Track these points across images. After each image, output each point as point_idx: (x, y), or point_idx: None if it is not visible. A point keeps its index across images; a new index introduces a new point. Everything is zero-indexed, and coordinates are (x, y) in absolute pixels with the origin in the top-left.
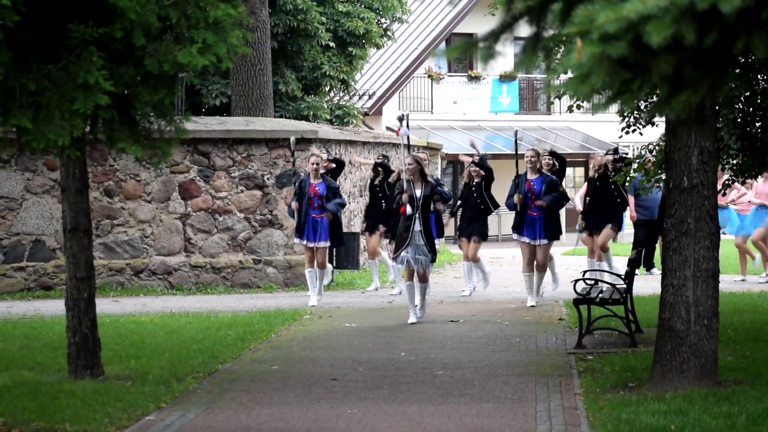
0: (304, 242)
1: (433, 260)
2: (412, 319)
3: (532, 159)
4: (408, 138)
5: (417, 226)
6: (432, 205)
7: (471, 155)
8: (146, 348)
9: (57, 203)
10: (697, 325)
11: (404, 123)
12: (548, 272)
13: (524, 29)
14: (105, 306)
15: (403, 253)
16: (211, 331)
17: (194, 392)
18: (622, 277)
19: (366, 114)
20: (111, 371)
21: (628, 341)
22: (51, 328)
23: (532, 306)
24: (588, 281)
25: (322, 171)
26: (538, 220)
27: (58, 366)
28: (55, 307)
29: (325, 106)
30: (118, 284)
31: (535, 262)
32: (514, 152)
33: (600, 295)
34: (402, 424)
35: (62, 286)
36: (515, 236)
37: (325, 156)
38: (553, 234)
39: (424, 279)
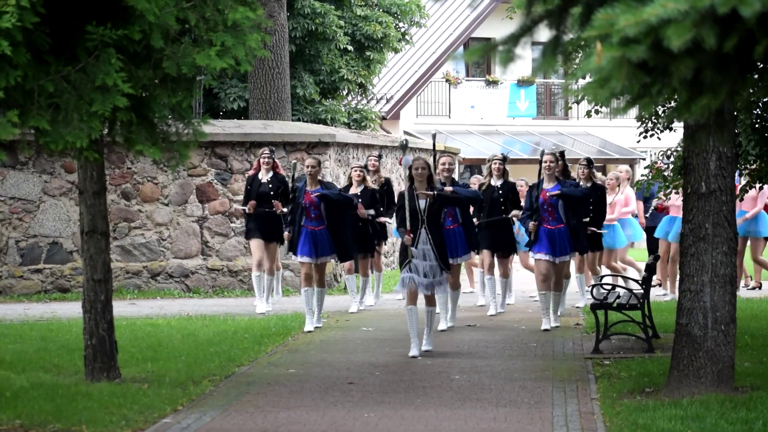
0: (303, 258)
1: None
2: (413, 352)
3: (551, 165)
4: (434, 154)
5: (423, 243)
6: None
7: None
8: (163, 351)
9: (74, 205)
10: (714, 331)
11: (407, 151)
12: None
13: (543, 33)
14: (122, 308)
15: (403, 274)
16: (228, 334)
17: (211, 395)
18: (640, 282)
19: (384, 118)
20: (127, 374)
21: (645, 346)
22: (68, 331)
23: (547, 330)
24: (605, 286)
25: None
26: (557, 233)
27: (75, 368)
28: (71, 310)
29: (343, 110)
30: (135, 287)
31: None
32: (530, 157)
33: (617, 300)
34: (418, 428)
35: (79, 288)
36: (530, 253)
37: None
38: (576, 246)
39: (430, 302)
